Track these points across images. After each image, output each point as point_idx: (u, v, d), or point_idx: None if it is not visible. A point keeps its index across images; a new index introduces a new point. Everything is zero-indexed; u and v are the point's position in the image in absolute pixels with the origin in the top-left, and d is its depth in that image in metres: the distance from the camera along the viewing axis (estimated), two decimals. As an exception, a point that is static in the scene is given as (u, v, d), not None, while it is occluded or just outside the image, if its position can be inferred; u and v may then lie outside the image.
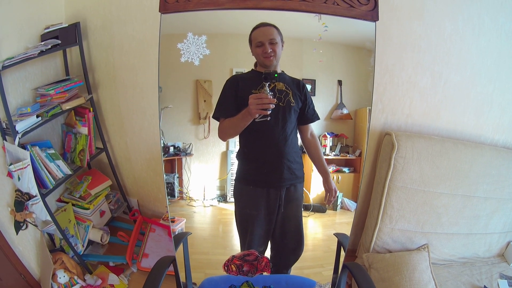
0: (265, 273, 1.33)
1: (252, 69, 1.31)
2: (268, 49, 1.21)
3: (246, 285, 1.28)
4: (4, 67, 1.43)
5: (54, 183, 1.66)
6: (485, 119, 1.73)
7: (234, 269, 1.27)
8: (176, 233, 1.56)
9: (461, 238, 1.69)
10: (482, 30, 1.56)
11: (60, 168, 1.70)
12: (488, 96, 1.68)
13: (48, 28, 1.70)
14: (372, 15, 1.14)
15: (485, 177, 1.63)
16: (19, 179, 1.52)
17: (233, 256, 1.28)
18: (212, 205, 1.57)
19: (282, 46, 1.25)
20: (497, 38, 1.58)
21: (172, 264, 1.20)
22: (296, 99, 1.27)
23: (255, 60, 1.29)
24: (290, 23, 1.23)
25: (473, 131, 1.75)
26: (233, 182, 1.40)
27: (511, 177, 1.66)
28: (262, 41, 1.22)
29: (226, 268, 1.28)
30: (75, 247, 1.79)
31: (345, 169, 1.55)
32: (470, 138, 1.75)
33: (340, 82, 1.41)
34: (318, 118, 1.35)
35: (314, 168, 1.41)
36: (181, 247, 1.34)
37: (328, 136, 1.47)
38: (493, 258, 1.77)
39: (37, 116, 1.59)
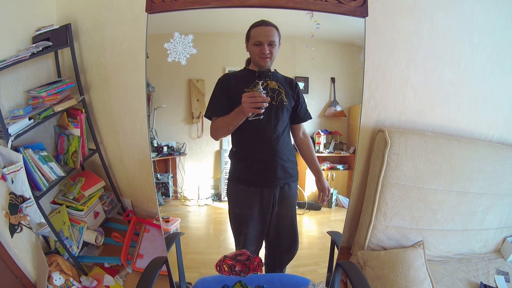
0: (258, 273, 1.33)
1: (245, 67, 1.30)
2: (266, 51, 1.20)
3: (239, 285, 1.27)
4: (-4, 70, 1.42)
5: (47, 185, 1.65)
6: (479, 115, 1.73)
7: (226, 269, 1.26)
8: (171, 232, 1.56)
9: (457, 234, 1.69)
10: (475, 25, 1.56)
11: (53, 170, 1.69)
12: (482, 91, 1.68)
13: (39, 30, 1.70)
14: (361, 11, 1.13)
15: (480, 173, 1.63)
16: (12, 182, 1.51)
17: (225, 256, 1.28)
18: (206, 205, 1.56)
19: (279, 46, 1.24)
20: (490, 34, 1.58)
21: (164, 265, 1.20)
22: (289, 98, 1.27)
23: (247, 58, 1.28)
24: (282, 20, 1.21)
25: (467, 127, 1.75)
26: (227, 181, 1.40)
27: (506, 173, 1.66)
28: (261, 41, 1.20)
29: (218, 268, 1.27)
30: (70, 249, 1.78)
31: (340, 166, 1.55)
32: (464, 134, 1.75)
33: (333, 80, 1.40)
34: (311, 118, 1.35)
35: (308, 165, 1.41)
36: (175, 247, 1.34)
37: (322, 133, 1.47)
38: (489, 254, 1.77)
39: (30, 119, 1.58)
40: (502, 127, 1.76)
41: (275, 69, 1.28)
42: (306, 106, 1.33)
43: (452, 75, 1.64)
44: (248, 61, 1.29)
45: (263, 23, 1.21)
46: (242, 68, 1.31)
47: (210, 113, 1.29)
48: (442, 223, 1.65)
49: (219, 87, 1.28)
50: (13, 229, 1.62)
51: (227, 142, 1.45)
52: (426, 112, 1.72)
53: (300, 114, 1.31)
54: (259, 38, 1.20)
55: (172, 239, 1.33)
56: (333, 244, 1.37)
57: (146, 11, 1.14)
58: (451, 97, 1.69)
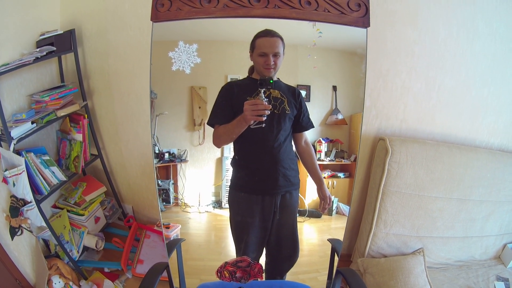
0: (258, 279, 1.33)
1: (248, 76, 1.31)
2: (271, 62, 1.21)
3: (239, 292, 1.28)
4: (-1, 73, 1.43)
5: (49, 189, 1.66)
6: (480, 123, 1.74)
7: (227, 275, 1.26)
8: (171, 239, 1.56)
9: (457, 241, 1.69)
10: (476, 34, 1.57)
11: (55, 175, 1.69)
12: (483, 100, 1.69)
13: (43, 34, 1.71)
14: (363, 21, 1.14)
15: (481, 180, 1.63)
16: (14, 185, 1.52)
17: (226, 263, 1.28)
18: (207, 211, 1.57)
19: (283, 56, 1.24)
20: (491, 42, 1.59)
21: (165, 271, 1.20)
22: (291, 107, 1.27)
23: (250, 66, 1.28)
24: (285, 29, 1.22)
25: (468, 135, 1.75)
26: (228, 188, 1.40)
27: (506, 180, 1.67)
28: (267, 52, 1.20)
29: (219, 274, 1.27)
30: (70, 253, 1.79)
31: (340, 174, 1.55)
32: (465, 142, 1.75)
33: (335, 88, 1.41)
34: (313, 126, 1.35)
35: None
36: (175, 253, 1.34)
37: (323, 141, 1.47)
38: (489, 261, 1.77)
39: (32, 123, 1.59)
40: (503, 135, 1.77)
41: (278, 78, 1.28)
42: (308, 114, 1.33)
43: (454, 83, 1.65)
44: (251, 70, 1.30)
45: (268, 34, 1.21)
46: (245, 76, 1.31)
47: (212, 121, 1.29)
48: (442, 230, 1.65)
49: (222, 96, 1.28)
50: (13, 232, 1.63)
51: (228, 150, 1.46)
52: (427, 120, 1.72)
53: (302, 122, 1.32)
54: (264, 49, 1.21)
55: (173, 245, 1.34)
56: (333, 251, 1.38)
57: (151, 20, 1.14)
58: (452, 105, 1.69)
